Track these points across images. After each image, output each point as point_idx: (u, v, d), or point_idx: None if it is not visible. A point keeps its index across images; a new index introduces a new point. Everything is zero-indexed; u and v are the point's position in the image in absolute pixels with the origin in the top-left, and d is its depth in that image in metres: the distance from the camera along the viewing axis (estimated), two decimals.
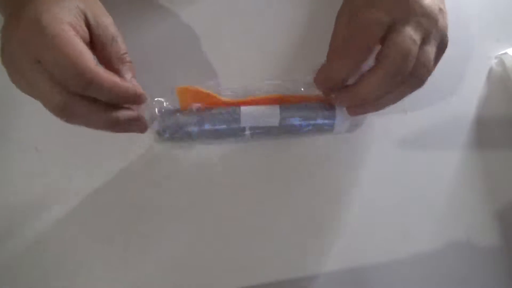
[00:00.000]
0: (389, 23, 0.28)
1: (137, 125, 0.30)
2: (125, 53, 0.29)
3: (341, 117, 0.34)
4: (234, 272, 0.34)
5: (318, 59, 0.32)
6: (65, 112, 0.27)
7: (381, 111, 0.39)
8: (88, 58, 0.25)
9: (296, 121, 0.34)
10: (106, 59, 0.29)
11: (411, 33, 0.28)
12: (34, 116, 0.37)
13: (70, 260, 0.34)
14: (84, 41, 0.27)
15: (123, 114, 0.28)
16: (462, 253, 0.36)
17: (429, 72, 0.30)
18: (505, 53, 0.40)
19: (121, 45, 0.29)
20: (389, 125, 0.39)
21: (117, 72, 0.29)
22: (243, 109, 0.32)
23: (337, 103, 0.33)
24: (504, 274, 0.36)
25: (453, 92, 0.40)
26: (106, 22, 0.29)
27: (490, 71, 0.41)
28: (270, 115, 0.33)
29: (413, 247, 0.36)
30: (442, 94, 0.40)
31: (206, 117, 0.33)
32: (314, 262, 0.35)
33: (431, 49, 0.30)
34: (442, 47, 0.32)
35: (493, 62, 0.41)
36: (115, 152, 0.36)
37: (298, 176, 0.37)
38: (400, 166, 0.38)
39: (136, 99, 0.28)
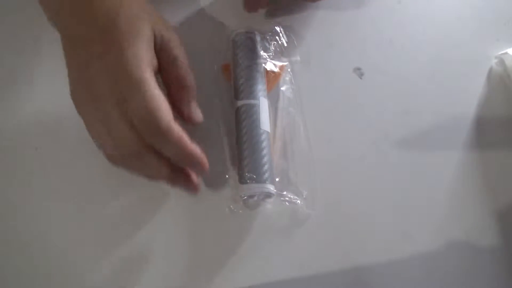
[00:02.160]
0: None
1: (190, 188, 0.31)
2: (185, 76, 0.30)
3: None
4: (234, 272, 0.34)
5: None
6: (130, 159, 0.28)
7: (381, 112, 0.39)
8: (165, 110, 0.26)
9: None
10: (167, 78, 0.29)
11: None
12: (34, 116, 0.37)
13: (70, 260, 0.34)
14: (154, 68, 0.27)
15: (182, 178, 0.30)
16: (462, 253, 0.36)
17: None
18: (505, 53, 0.40)
19: (181, 68, 0.29)
20: (389, 125, 0.39)
21: (176, 94, 0.29)
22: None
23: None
24: (504, 274, 0.36)
25: (453, 92, 0.40)
26: (171, 44, 0.29)
27: (490, 71, 0.41)
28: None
29: (413, 247, 0.36)
30: (442, 94, 0.40)
31: None
32: (314, 262, 0.35)
33: None
34: None
35: (493, 62, 0.41)
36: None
37: (297, 176, 0.37)
38: (400, 166, 0.38)
39: (198, 166, 0.29)
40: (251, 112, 0.34)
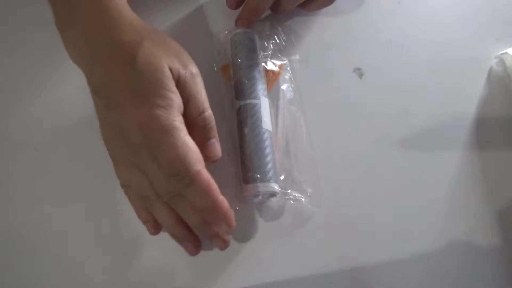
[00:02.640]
0: None
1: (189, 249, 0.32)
2: (202, 112, 0.30)
3: None
4: (234, 272, 0.34)
5: None
6: (168, 199, 0.28)
7: (381, 111, 0.39)
8: (195, 157, 0.27)
9: None
10: (187, 119, 0.29)
11: None
12: (34, 116, 0.37)
13: (70, 260, 0.34)
14: (181, 110, 0.28)
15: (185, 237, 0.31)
16: (462, 253, 0.36)
17: None
18: (505, 53, 0.40)
19: (196, 108, 0.29)
20: (389, 125, 0.39)
21: (195, 134, 0.29)
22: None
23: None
24: (504, 274, 0.36)
25: (453, 92, 0.40)
26: (187, 84, 0.29)
27: (490, 71, 0.41)
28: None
29: (413, 247, 0.36)
30: (442, 94, 0.40)
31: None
32: (314, 262, 0.35)
33: None
34: None
35: (493, 62, 0.41)
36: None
37: (297, 176, 0.37)
38: (400, 166, 0.38)
39: (224, 221, 0.29)
40: (253, 112, 0.34)
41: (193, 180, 0.26)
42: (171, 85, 0.27)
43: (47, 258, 0.34)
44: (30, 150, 0.36)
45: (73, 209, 0.35)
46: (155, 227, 0.31)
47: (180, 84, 0.28)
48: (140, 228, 0.35)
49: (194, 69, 0.30)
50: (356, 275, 0.35)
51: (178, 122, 0.27)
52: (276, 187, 0.33)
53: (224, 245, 0.31)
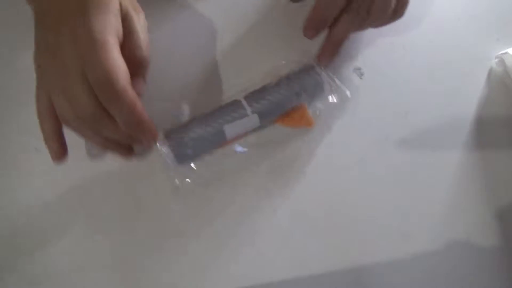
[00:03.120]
0: None
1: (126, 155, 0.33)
2: (140, 50, 0.31)
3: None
4: (234, 272, 0.34)
5: None
6: (87, 123, 0.29)
7: (381, 112, 0.39)
8: (123, 73, 0.27)
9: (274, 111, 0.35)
10: (125, 52, 0.30)
11: None
12: (34, 116, 0.37)
13: (70, 260, 0.34)
14: (119, 38, 0.29)
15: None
16: (462, 253, 0.36)
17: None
18: (506, 53, 0.40)
19: (137, 41, 0.30)
20: (389, 125, 0.39)
21: (131, 69, 0.30)
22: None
23: (322, 57, 0.36)
24: (504, 274, 0.36)
25: (453, 92, 0.40)
26: (133, 20, 0.30)
27: (490, 71, 0.41)
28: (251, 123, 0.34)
29: (413, 247, 0.36)
30: (442, 94, 0.40)
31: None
32: (314, 262, 0.35)
33: None
34: None
35: (493, 62, 0.41)
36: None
37: (296, 176, 0.37)
38: (400, 166, 0.38)
39: (148, 134, 0.30)
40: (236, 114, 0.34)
41: (120, 95, 0.27)
42: (116, 11, 0.28)
43: (47, 257, 0.34)
44: (30, 150, 0.36)
45: (73, 208, 0.35)
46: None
47: (126, 19, 0.30)
48: (139, 227, 0.35)
49: (142, 15, 0.31)
50: (356, 275, 0.35)
51: (113, 41, 0.27)
52: (170, 161, 0.33)
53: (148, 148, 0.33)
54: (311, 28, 0.35)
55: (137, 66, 0.31)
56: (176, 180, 0.34)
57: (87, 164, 0.36)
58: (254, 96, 0.35)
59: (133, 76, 0.30)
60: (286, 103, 0.35)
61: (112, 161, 0.35)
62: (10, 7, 0.39)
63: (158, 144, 0.32)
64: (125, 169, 0.36)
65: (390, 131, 0.38)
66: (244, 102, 0.34)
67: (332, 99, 0.37)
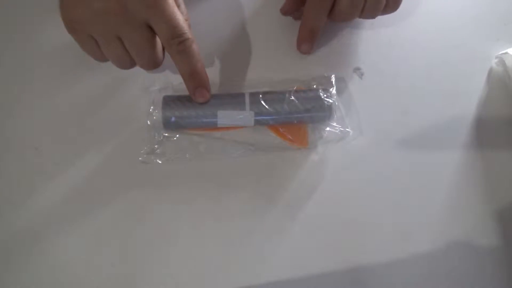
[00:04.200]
0: None
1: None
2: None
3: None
4: (234, 272, 0.34)
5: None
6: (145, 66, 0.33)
7: (381, 112, 0.39)
8: (187, 27, 0.31)
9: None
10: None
11: None
12: (34, 116, 0.37)
13: (70, 260, 0.34)
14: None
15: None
16: (462, 253, 0.36)
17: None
18: (506, 53, 0.40)
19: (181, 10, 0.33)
20: (389, 125, 0.39)
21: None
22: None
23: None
24: (504, 274, 0.36)
25: (453, 92, 0.40)
26: None
27: (490, 71, 0.41)
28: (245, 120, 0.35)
29: (413, 247, 0.36)
30: (442, 94, 0.40)
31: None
32: (314, 262, 0.35)
33: None
34: None
35: (493, 62, 0.41)
36: (116, 152, 0.36)
37: (297, 176, 0.37)
38: (400, 166, 0.38)
39: (204, 85, 0.33)
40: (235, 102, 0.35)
41: (191, 44, 0.31)
42: None
43: (47, 257, 0.34)
44: (30, 150, 0.36)
45: (73, 208, 0.35)
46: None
47: None
48: (139, 227, 0.35)
49: None
50: (356, 275, 0.35)
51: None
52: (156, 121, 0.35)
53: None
54: (304, 42, 0.38)
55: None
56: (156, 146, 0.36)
57: (87, 164, 0.36)
58: (260, 96, 0.35)
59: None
60: (288, 116, 0.35)
61: (112, 163, 0.35)
62: None
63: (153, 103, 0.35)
64: (126, 174, 0.36)
65: (390, 131, 0.38)
66: (247, 98, 0.35)
67: (334, 129, 0.37)
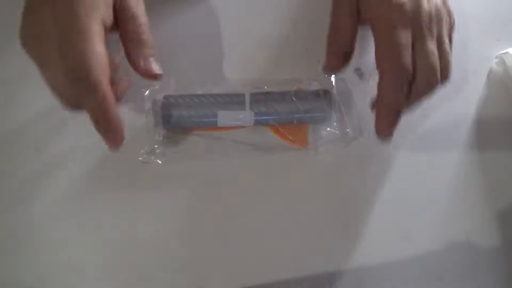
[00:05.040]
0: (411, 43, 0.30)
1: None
2: (141, 33, 0.30)
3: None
4: (234, 272, 0.34)
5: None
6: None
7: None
8: (101, 66, 0.26)
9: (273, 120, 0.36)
10: (124, 37, 0.29)
11: (431, 46, 0.30)
12: (34, 116, 0.37)
13: (70, 259, 0.34)
14: (107, 25, 0.27)
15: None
16: (462, 253, 0.36)
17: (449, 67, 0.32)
18: (506, 53, 0.40)
19: (138, 25, 0.29)
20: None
21: (134, 52, 0.29)
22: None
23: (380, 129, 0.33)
24: (504, 274, 0.36)
25: (453, 92, 0.40)
26: (130, 4, 0.29)
27: (490, 71, 0.41)
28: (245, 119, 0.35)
29: (413, 247, 0.36)
30: (442, 94, 0.40)
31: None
32: (314, 262, 0.35)
33: (447, 48, 0.32)
34: (451, 33, 0.33)
35: (494, 62, 0.41)
36: (116, 152, 0.36)
37: (297, 176, 0.37)
38: (400, 166, 0.38)
39: (112, 134, 0.28)
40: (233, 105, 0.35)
41: (91, 87, 0.25)
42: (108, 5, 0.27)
43: (47, 257, 0.34)
44: (30, 150, 0.36)
45: (73, 209, 0.35)
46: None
47: (122, 3, 0.28)
48: (139, 227, 0.35)
49: None
50: (356, 275, 0.35)
51: (97, 28, 0.26)
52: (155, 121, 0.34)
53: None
54: (390, 126, 0.32)
55: (142, 46, 0.30)
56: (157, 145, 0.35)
57: (87, 164, 0.36)
58: (260, 96, 0.35)
59: (141, 56, 0.30)
60: (288, 116, 0.35)
61: (112, 162, 0.36)
62: None
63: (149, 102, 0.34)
64: (126, 174, 0.36)
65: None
66: (247, 98, 0.35)
67: (334, 129, 0.37)
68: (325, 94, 0.36)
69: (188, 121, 0.35)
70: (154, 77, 0.30)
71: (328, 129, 0.37)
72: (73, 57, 0.25)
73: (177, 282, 0.34)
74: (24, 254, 0.34)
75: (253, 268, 0.34)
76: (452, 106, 0.40)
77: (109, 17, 0.27)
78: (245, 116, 0.35)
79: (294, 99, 0.35)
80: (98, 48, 0.26)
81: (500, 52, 0.41)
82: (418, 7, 0.30)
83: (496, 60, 0.41)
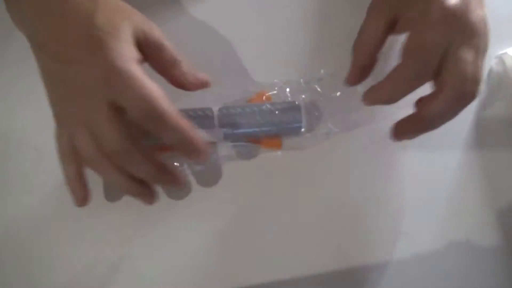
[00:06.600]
0: (445, 46, 0.29)
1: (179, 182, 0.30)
2: (174, 56, 0.30)
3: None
4: (234, 272, 0.34)
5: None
6: (114, 156, 0.27)
7: (381, 111, 0.39)
8: (160, 95, 0.26)
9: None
10: (159, 66, 0.30)
11: (467, 56, 0.29)
12: (34, 116, 0.37)
13: (70, 259, 0.34)
14: (140, 61, 0.27)
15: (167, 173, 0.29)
16: (462, 253, 0.36)
17: (479, 83, 0.30)
18: (505, 53, 0.40)
19: (169, 51, 0.29)
20: (389, 124, 0.39)
21: (173, 76, 0.30)
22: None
23: (397, 133, 0.33)
24: (504, 274, 0.36)
25: None
26: (154, 35, 0.29)
27: (490, 71, 0.41)
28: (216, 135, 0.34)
29: (413, 247, 0.36)
30: None
31: None
32: (314, 262, 0.35)
33: (480, 64, 0.30)
34: (485, 53, 0.31)
35: (493, 62, 0.41)
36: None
37: (297, 176, 0.37)
38: (400, 166, 0.38)
39: (198, 152, 0.28)
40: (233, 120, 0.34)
41: (162, 114, 0.26)
42: (127, 37, 0.27)
43: (47, 256, 0.34)
44: (30, 150, 0.36)
45: (73, 209, 0.35)
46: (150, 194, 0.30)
47: (147, 37, 0.28)
48: (139, 228, 0.35)
49: (153, 23, 0.29)
50: (356, 275, 0.35)
51: (135, 66, 0.26)
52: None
53: (179, 185, 0.30)
54: (369, 101, 0.33)
55: (179, 66, 0.30)
56: None
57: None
58: (229, 111, 0.35)
59: (181, 75, 0.30)
60: (258, 132, 0.35)
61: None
62: None
63: None
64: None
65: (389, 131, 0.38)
66: (215, 112, 0.34)
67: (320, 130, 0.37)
68: (294, 107, 0.35)
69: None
70: (207, 84, 0.31)
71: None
72: (134, 95, 0.25)
73: (177, 282, 0.34)
74: (23, 253, 0.34)
75: (252, 268, 0.34)
76: None
77: (139, 55, 0.27)
78: (214, 132, 0.34)
79: (265, 110, 0.35)
80: (148, 81, 0.26)
81: (499, 52, 0.41)
82: (465, 12, 0.29)
83: (495, 60, 0.41)
